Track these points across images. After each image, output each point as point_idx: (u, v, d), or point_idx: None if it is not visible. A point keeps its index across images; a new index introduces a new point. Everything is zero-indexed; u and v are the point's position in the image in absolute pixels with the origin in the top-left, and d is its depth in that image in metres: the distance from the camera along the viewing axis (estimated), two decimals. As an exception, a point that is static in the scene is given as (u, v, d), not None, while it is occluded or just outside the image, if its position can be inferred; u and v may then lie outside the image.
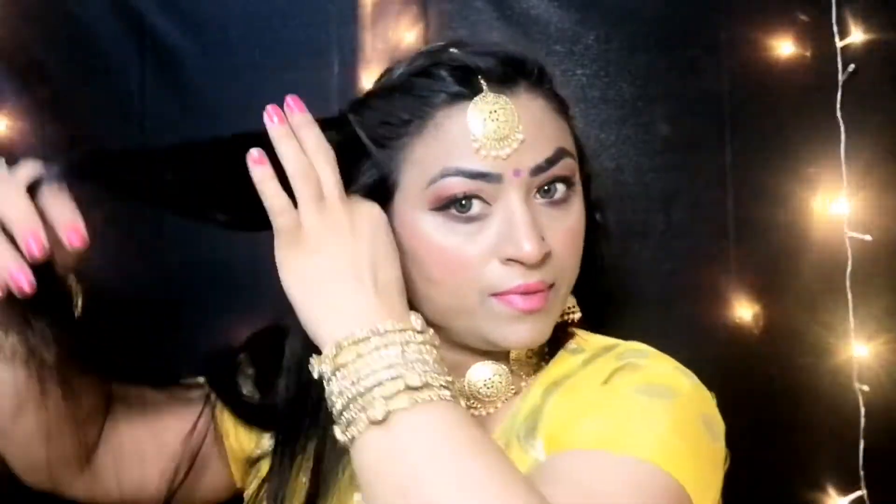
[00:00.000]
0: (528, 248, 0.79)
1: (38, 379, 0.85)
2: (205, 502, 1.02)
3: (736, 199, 1.28)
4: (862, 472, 1.24)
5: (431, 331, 0.75)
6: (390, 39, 1.30)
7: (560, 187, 0.83)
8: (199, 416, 0.96)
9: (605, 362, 0.84)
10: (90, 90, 1.32)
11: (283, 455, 0.90)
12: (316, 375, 0.73)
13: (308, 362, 0.74)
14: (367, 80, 1.30)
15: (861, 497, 1.24)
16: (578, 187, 0.86)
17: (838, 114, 1.24)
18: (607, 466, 0.72)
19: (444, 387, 0.70)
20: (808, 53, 1.26)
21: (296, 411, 0.89)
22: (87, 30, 1.32)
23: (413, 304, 0.84)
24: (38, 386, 0.86)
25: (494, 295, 0.81)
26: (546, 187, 0.82)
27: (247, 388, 0.98)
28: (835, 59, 1.24)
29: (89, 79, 1.32)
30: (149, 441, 0.97)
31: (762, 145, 1.27)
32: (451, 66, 0.82)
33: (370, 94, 0.88)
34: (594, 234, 0.91)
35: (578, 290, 0.90)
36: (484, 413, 0.88)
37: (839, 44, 1.24)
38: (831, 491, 1.26)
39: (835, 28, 1.24)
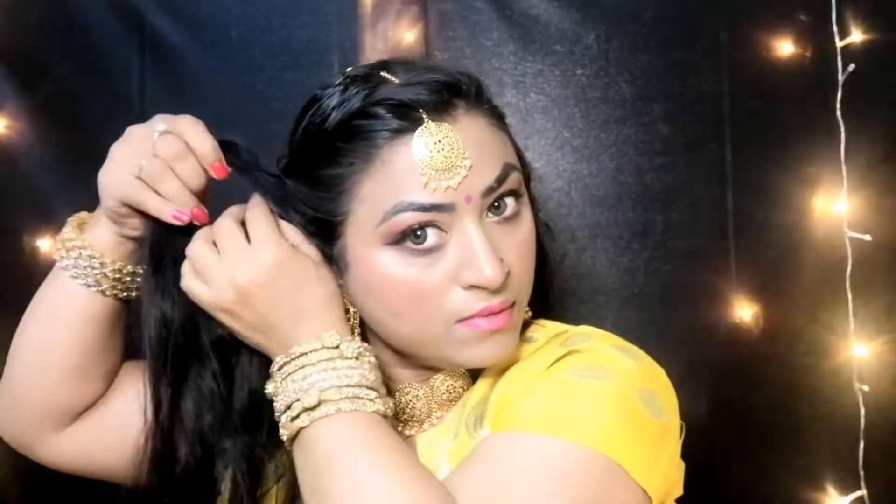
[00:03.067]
0: (490, 272, 0.79)
1: (120, 318, 0.94)
2: None
3: (736, 199, 1.28)
4: (862, 472, 1.24)
5: (346, 342, 0.79)
6: (390, 39, 1.31)
7: (509, 202, 0.83)
8: None
9: (550, 349, 0.85)
10: (90, 90, 1.32)
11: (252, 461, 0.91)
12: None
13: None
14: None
15: (861, 497, 1.24)
16: (525, 196, 0.86)
17: (838, 114, 1.24)
18: (531, 447, 0.74)
19: (348, 398, 0.76)
20: (808, 53, 1.26)
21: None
22: (87, 30, 1.32)
23: (378, 337, 0.87)
24: (122, 325, 0.94)
25: (460, 321, 0.81)
26: (496, 203, 0.82)
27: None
28: (835, 59, 1.24)
29: (89, 79, 1.32)
30: (134, 414, 0.94)
31: (762, 145, 1.27)
32: (387, 104, 0.81)
33: (306, 145, 0.87)
34: (539, 232, 0.91)
35: (536, 290, 0.90)
36: (441, 414, 0.90)
37: (839, 44, 1.24)
38: (831, 491, 1.26)
39: (835, 28, 1.24)
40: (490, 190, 0.81)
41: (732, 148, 1.28)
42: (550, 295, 0.96)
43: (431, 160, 0.79)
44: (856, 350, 1.25)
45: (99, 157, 1.32)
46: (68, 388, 0.93)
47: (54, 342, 0.92)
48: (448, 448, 0.86)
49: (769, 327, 1.27)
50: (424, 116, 0.80)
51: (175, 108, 1.31)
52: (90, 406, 0.96)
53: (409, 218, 0.79)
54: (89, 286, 0.90)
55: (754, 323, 1.27)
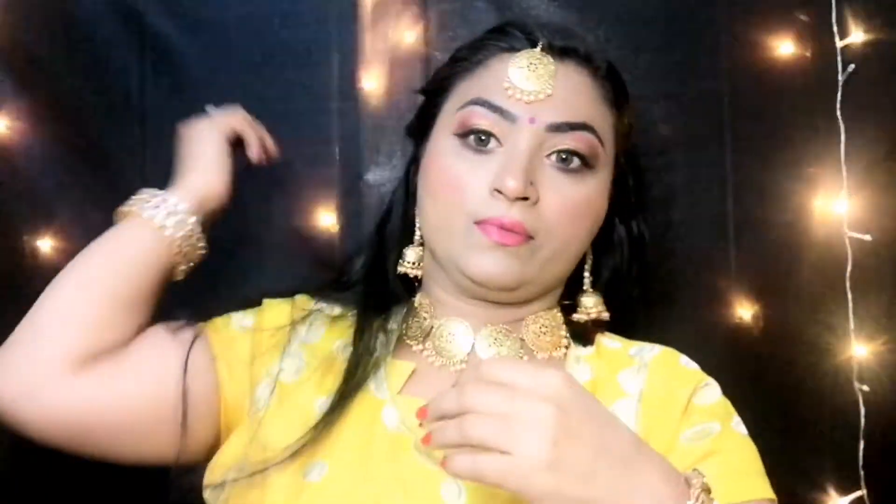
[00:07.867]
0: (511, 183, 0.86)
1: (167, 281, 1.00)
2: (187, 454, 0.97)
3: (736, 199, 1.28)
4: (862, 472, 1.24)
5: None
6: (390, 39, 1.30)
7: (577, 161, 0.91)
8: (189, 351, 0.96)
9: (672, 372, 0.98)
10: (90, 90, 1.32)
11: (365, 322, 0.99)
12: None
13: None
14: (367, 80, 1.30)
15: (861, 497, 1.24)
16: (600, 174, 0.93)
17: (838, 114, 1.24)
18: None
19: None
20: (808, 53, 1.26)
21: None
22: (87, 30, 1.31)
23: (418, 218, 0.99)
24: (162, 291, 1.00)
25: (477, 223, 0.89)
26: (564, 155, 0.90)
27: None
28: (835, 59, 1.24)
29: (89, 79, 1.32)
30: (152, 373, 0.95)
31: (762, 145, 1.27)
32: (521, 28, 0.95)
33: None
34: (633, 244, 1.04)
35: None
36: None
37: (839, 44, 1.24)
38: (831, 491, 1.25)
39: (835, 28, 1.24)
40: (556, 128, 0.90)
41: (732, 148, 1.28)
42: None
43: (520, 75, 0.91)
44: (856, 350, 1.25)
45: (99, 157, 1.33)
46: (108, 321, 0.93)
47: (112, 270, 0.95)
48: None
49: (769, 327, 1.27)
50: (540, 46, 0.93)
51: (175, 108, 1.31)
52: (110, 353, 0.93)
53: (478, 113, 0.91)
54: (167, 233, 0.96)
55: (754, 323, 1.27)
